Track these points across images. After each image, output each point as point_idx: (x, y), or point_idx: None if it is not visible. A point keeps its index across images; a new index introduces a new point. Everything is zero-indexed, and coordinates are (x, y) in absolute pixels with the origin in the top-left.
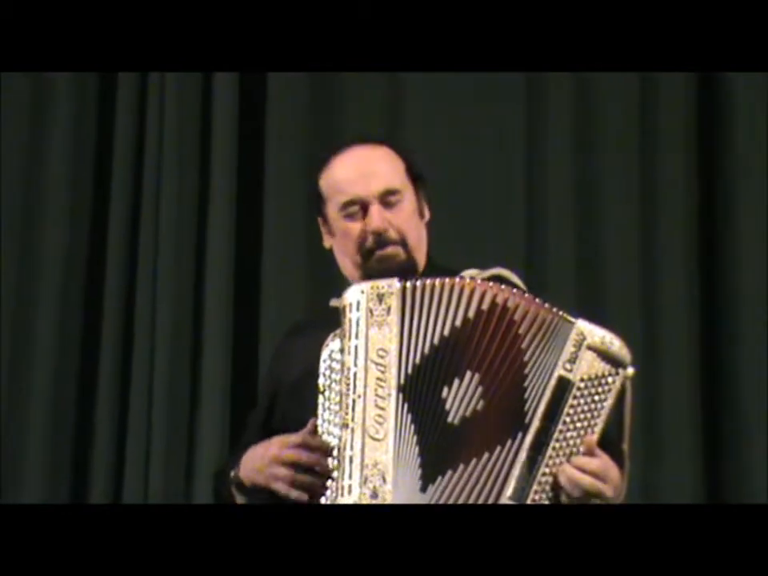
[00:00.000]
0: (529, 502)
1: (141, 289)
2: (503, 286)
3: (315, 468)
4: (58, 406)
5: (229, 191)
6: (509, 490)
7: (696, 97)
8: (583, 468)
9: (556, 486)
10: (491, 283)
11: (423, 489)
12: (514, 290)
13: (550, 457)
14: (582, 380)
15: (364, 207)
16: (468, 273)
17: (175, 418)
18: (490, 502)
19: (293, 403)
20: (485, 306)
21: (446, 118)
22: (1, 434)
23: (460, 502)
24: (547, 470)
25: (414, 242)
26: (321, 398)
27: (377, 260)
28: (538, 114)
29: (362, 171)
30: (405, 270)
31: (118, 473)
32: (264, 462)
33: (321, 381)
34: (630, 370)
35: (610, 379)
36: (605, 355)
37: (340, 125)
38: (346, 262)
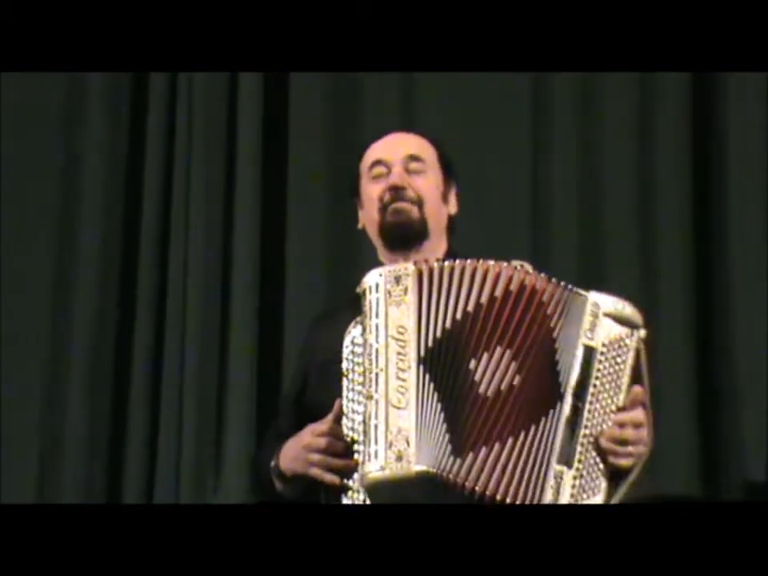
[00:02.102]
0: (575, 465)
1: (172, 281)
2: (519, 268)
3: (342, 457)
4: (94, 403)
5: (254, 183)
6: (555, 455)
7: (690, 91)
8: (622, 422)
9: (599, 448)
10: (509, 264)
11: (455, 454)
12: (531, 272)
13: (587, 419)
14: (603, 345)
15: (389, 168)
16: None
17: (204, 413)
18: (537, 468)
19: (320, 387)
20: (512, 287)
21: (456, 115)
22: (41, 432)
23: (504, 469)
24: (587, 431)
25: (429, 209)
26: (345, 381)
27: (391, 212)
28: (543, 111)
29: (392, 140)
30: (415, 230)
31: (151, 468)
32: (298, 450)
33: (344, 365)
34: (643, 331)
35: (627, 341)
36: (620, 319)
37: (357, 122)
38: (370, 226)
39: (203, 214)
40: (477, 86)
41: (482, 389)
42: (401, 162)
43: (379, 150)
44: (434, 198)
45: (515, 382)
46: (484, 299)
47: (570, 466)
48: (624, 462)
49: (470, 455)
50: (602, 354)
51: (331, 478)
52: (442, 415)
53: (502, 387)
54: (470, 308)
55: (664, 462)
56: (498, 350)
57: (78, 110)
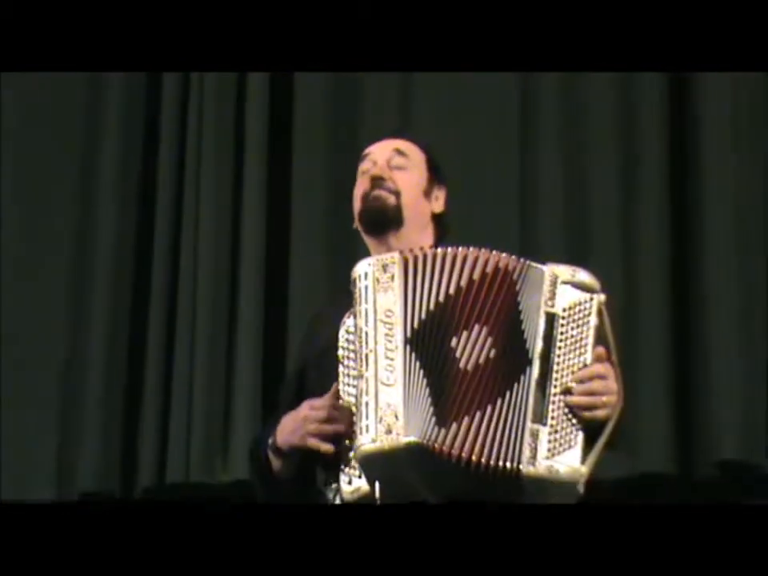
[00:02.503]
0: (549, 422)
1: (183, 273)
2: (494, 252)
3: (339, 423)
4: (110, 387)
5: (260, 177)
6: (529, 416)
7: (668, 90)
8: (587, 376)
9: (571, 405)
10: (486, 250)
11: (440, 425)
12: (504, 254)
13: (556, 379)
14: (564, 310)
15: (374, 163)
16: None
17: (213, 398)
18: (515, 430)
19: (318, 374)
20: (488, 269)
21: (449, 110)
22: (61, 416)
23: (485, 434)
24: (557, 390)
25: (406, 200)
26: (341, 367)
27: (370, 199)
28: (530, 107)
29: (383, 143)
30: (389, 216)
31: (163, 449)
32: (296, 424)
33: (340, 352)
34: (602, 296)
35: (586, 304)
36: (576, 285)
37: (357, 120)
38: (357, 220)
39: (213, 204)
40: (468, 86)
41: (462, 364)
42: (384, 158)
43: (370, 149)
44: (412, 192)
45: (491, 355)
46: (463, 282)
47: (544, 423)
48: (599, 413)
49: (454, 425)
50: (563, 318)
51: (327, 447)
52: (428, 390)
53: (480, 361)
54: (451, 291)
55: (641, 441)
56: (476, 327)
57: (95, 108)
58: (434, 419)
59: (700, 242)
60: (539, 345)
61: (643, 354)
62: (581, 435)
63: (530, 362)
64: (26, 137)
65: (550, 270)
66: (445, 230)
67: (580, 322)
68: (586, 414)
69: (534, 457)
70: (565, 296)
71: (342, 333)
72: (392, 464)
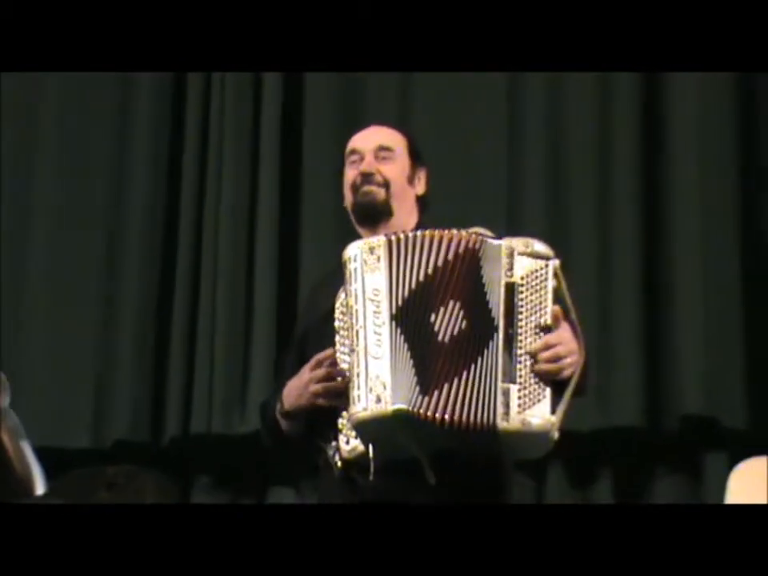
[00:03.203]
0: (518, 380)
1: (205, 244)
2: (464, 232)
3: (336, 379)
4: (140, 346)
5: (275, 168)
6: (500, 377)
7: (641, 90)
8: (551, 343)
9: (538, 371)
10: (456, 230)
11: (423, 392)
12: (474, 235)
13: (520, 340)
14: (522, 278)
15: (361, 157)
16: (509, 242)
17: (232, 358)
18: (488, 391)
19: (317, 342)
20: (461, 249)
21: (444, 108)
22: (96, 371)
23: (463, 398)
24: (522, 350)
25: (395, 191)
26: (338, 337)
27: (360, 194)
28: (517, 106)
29: (367, 132)
30: (379, 210)
31: (188, 401)
32: (301, 386)
33: (337, 323)
34: (557, 261)
35: (542, 270)
36: (531, 254)
37: (360, 113)
38: (348, 207)
39: (233, 184)
40: (460, 85)
41: (440, 337)
42: (371, 152)
43: (356, 140)
44: (399, 181)
45: (463, 327)
46: (440, 262)
47: (514, 382)
48: (565, 374)
49: (435, 392)
50: (521, 285)
51: (331, 403)
52: (411, 362)
53: (454, 333)
54: (430, 270)
55: (613, 397)
56: (451, 303)
57: (128, 105)
58: (417, 388)
59: (669, 220)
60: (503, 312)
61: (615, 317)
62: (548, 390)
63: (496, 329)
64: (66, 131)
65: (506, 243)
66: (426, 208)
67: (538, 287)
68: (554, 376)
69: (507, 413)
70: (522, 265)
71: (337, 305)
72: (382, 429)
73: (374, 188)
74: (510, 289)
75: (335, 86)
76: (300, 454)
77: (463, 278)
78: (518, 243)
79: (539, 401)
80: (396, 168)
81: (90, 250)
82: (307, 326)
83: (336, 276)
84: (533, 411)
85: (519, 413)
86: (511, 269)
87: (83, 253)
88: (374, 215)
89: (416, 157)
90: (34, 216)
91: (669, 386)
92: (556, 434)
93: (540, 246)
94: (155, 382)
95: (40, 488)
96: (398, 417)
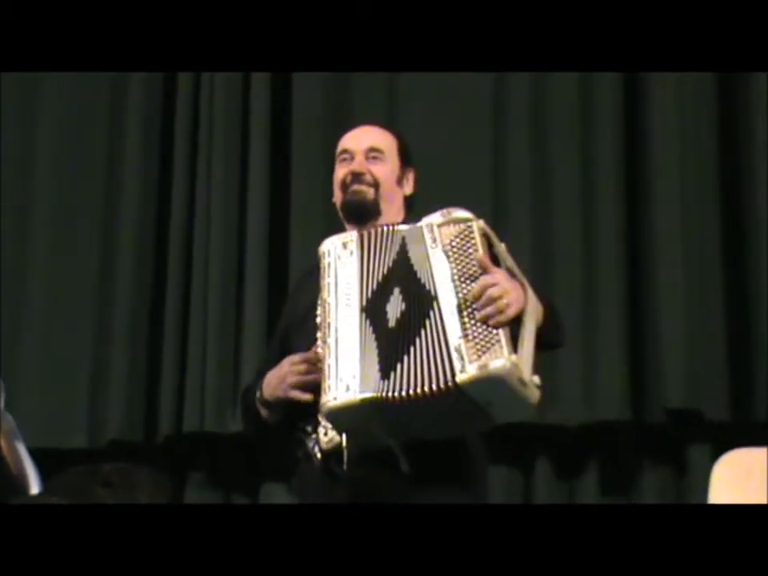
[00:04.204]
0: (467, 335)
1: (196, 255)
2: (410, 225)
3: (316, 373)
4: (135, 344)
5: (264, 161)
6: (449, 336)
7: (623, 89)
8: (480, 290)
9: (479, 318)
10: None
11: (384, 377)
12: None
13: (460, 298)
14: (446, 245)
15: (352, 157)
16: (428, 219)
17: (224, 358)
18: (441, 354)
19: (299, 334)
20: (405, 240)
21: (431, 107)
22: (92, 370)
23: (420, 369)
24: (463, 306)
25: (384, 191)
26: (318, 332)
27: (350, 193)
28: (501, 104)
29: (358, 133)
30: (368, 209)
31: (180, 400)
32: (280, 377)
33: (318, 319)
34: (480, 221)
35: (466, 231)
36: (450, 221)
37: (348, 113)
38: (337, 204)
39: (223, 183)
40: (447, 85)
41: (391, 323)
42: (362, 152)
43: (347, 140)
44: (389, 182)
45: (404, 308)
46: (396, 253)
47: (463, 337)
48: (509, 312)
49: (392, 374)
50: (449, 251)
51: (307, 397)
52: (376, 351)
53: (398, 315)
54: (391, 263)
55: (599, 393)
56: (395, 289)
57: (120, 104)
58: (379, 374)
59: (650, 216)
60: (437, 281)
61: (600, 313)
62: (501, 333)
63: (434, 298)
64: (61, 131)
65: (424, 221)
66: (412, 208)
67: (466, 246)
68: (497, 318)
69: (463, 366)
70: (446, 234)
71: (319, 301)
72: (353, 417)
73: (363, 187)
74: (440, 258)
75: (323, 86)
76: (282, 444)
77: (400, 264)
78: (435, 217)
79: (493, 345)
80: (386, 169)
81: (84, 252)
82: (291, 319)
83: (317, 273)
84: (488, 355)
85: (473, 360)
86: (435, 241)
87: (78, 254)
88: (363, 214)
89: (405, 158)
90: (31, 217)
91: (653, 380)
92: (536, 379)
93: (459, 212)
94: (149, 382)
95: (35, 487)
96: (367, 404)
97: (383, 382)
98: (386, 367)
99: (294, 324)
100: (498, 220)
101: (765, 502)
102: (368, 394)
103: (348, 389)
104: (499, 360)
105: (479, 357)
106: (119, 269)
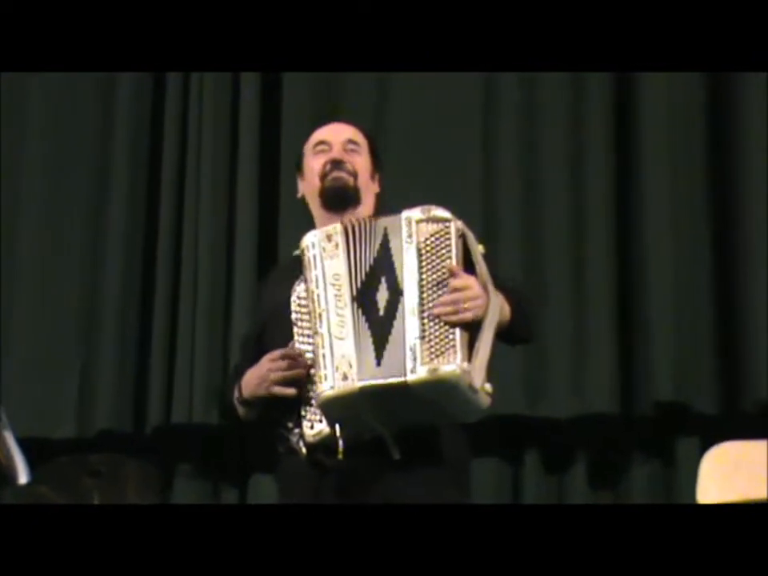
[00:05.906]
0: (424, 335)
1: (185, 247)
2: (393, 216)
3: (298, 368)
4: (124, 338)
5: (253, 160)
6: (408, 336)
7: (613, 88)
8: (452, 290)
9: (438, 314)
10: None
11: (377, 365)
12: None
13: (424, 299)
14: (421, 242)
15: (330, 147)
16: (408, 213)
17: (213, 350)
18: (399, 352)
19: (275, 331)
20: (388, 230)
21: (421, 108)
22: (81, 362)
23: (386, 362)
24: (424, 308)
25: (361, 182)
26: (295, 328)
27: (330, 179)
28: (491, 104)
29: (334, 127)
30: (350, 194)
31: (169, 394)
32: (260, 375)
33: (294, 315)
34: (459, 222)
35: (443, 231)
36: (429, 219)
37: (338, 113)
38: (310, 193)
39: (212, 181)
40: (436, 85)
41: (381, 312)
42: (341, 143)
43: (323, 133)
44: (365, 174)
45: (382, 297)
46: (380, 244)
47: (420, 338)
48: (467, 315)
49: (382, 362)
50: (422, 249)
51: (291, 391)
52: (371, 339)
53: (385, 304)
54: (376, 254)
55: (588, 386)
56: (382, 278)
57: (109, 104)
58: (374, 362)
59: (641, 214)
60: (406, 277)
61: (589, 307)
62: (457, 335)
63: (402, 292)
64: (50, 131)
65: (404, 214)
66: (381, 208)
67: (440, 246)
68: (452, 317)
69: (414, 367)
70: (423, 231)
71: (293, 298)
72: (350, 406)
73: (344, 174)
74: (413, 254)
75: (313, 86)
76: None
77: (383, 254)
78: (415, 212)
79: (447, 349)
80: (363, 161)
81: (73, 242)
82: (262, 319)
83: (289, 269)
84: (441, 359)
85: (425, 363)
86: (411, 236)
87: (66, 245)
88: (345, 199)
89: (376, 156)
90: (20, 216)
91: (641, 373)
92: (487, 387)
93: (439, 211)
94: (137, 372)
95: (23, 477)
96: (365, 392)
97: (378, 370)
98: (379, 355)
99: (267, 322)
100: (487, 219)
101: (753, 495)
102: (365, 383)
103: (345, 377)
104: (450, 366)
105: (431, 360)
106: (108, 263)
